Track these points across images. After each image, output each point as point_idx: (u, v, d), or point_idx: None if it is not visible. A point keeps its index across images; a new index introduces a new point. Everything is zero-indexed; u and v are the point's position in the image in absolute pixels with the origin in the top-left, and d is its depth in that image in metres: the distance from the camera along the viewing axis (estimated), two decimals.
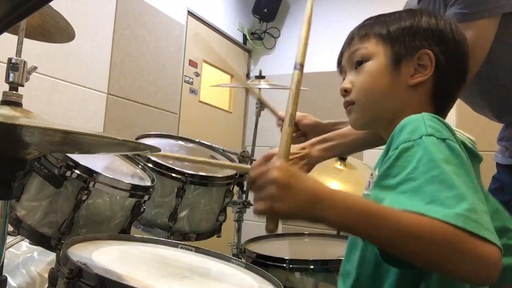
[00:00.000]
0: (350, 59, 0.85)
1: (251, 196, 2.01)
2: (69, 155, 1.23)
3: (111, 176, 1.28)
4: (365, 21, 0.86)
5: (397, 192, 0.62)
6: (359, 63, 0.83)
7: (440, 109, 0.81)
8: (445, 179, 0.60)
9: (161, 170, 1.60)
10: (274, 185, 0.60)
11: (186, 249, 1.22)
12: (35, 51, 2.07)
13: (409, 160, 0.63)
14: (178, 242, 1.26)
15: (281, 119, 1.34)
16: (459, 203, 0.57)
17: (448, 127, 0.69)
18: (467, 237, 0.56)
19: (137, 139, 1.80)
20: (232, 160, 1.96)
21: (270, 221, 0.63)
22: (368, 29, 0.83)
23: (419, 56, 0.79)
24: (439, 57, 0.78)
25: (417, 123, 0.68)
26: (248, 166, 1.27)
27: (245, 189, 1.98)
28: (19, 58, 0.99)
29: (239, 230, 1.96)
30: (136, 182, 1.40)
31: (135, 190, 1.34)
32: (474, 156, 0.75)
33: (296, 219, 0.62)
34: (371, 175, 0.76)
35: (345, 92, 0.85)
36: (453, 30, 0.81)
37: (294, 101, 0.73)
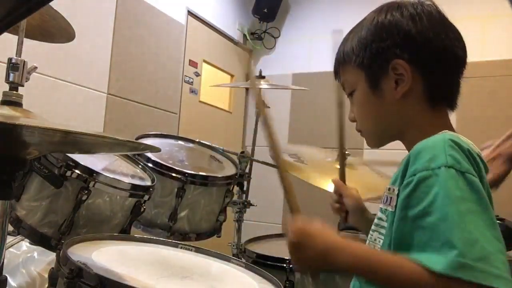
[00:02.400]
0: (344, 90, 0.88)
1: (251, 196, 2.02)
2: (69, 155, 1.23)
3: (111, 176, 1.28)
4: (341, 44, 0.86)
5: (414, 227, 0.65)
6: (350, 94, 0.86)
7: (444, 102, 0.79)
8: (458, 221, 0.61)
9: (161, 170, 1.60)
10: (291, 247, 0.73)
11: (186, 249, 1.22)
12: (35, 51, 2.07)
13: (427, 192, 0.64)
14: (178, 242, 1.26)
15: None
16: (468, 249, 0.59)
17: (468, 154, 0.67)
18: (451, 284, 0.59)
19: (137, 139, 1.80)
20: (232, 160, 1.96)
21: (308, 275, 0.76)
22: (343, 56, 0.84)
23: (392, 68, 0.77)
24: (413, 58, 0.76)
25: (437, 151, 0.66)
26: None
27: (245, 189, 1.98)
28: (19, 58, 0.99)
29: (239, 230, 1.96)
30: (136, 182, 1.40)
31: (135, 190, 1.34)
32: (486, 169, 0.72)
33: (317, 269, 0.76)
34: (388, 190, 0.75)
35: (353, 121, 0.89)
36: (413, 19, 0.76)
37: (276, 157, 0.84)
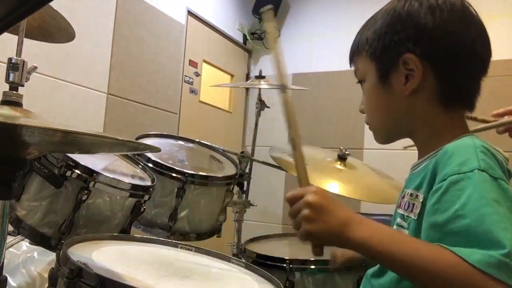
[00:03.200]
0: (356, 77, 0.85)
1: (251, 196, 2.02)
2: (69, 155, 1.23)
3: (111, 176, 1.28)
4: (358, 32, 0.82)
5: (445, 233, 0.59)
6: (361, 83, 0.83)
7: (459, 103, 0.74)
8: (499, 220, 0.56)
9: (161, 170, 1.60)
10: (308, 208, 0.64)
11: (186, 249, 1.22)
12: (35, 51, 2.07)
13: (458, 194, 0.59)
14: (178, 242, 1.26)
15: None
16: (503, 246, 0.54)
17: (499, 162, 0.64)
18: (485, 280, 0.54)
19: (137, 139, 1.80)
20: (232, 160, 1.96)
21: (313, 245, 0.66)
22: (358, 45, 0.81)
23: (403, 62, 0.73)
24: (426, 54, 0.72)
25: (468, 155, 0.62)
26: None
27: (245, 189, 1.98)
28: (19, 58, 0.99)
29: (239, 230, 1.96)
30: (136, 182, 1.40)
31: (135, 190, 1.34)
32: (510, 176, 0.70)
33: (328, 241, 0.64)
34: (410, 195, 0.72)
35: (363, 113, 0.85)
36: (433, 11, 0.71)
37: (290, 123, 0.74)
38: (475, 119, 0.95)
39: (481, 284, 0.54)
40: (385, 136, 0.82)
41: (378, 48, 0.76)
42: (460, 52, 0.72)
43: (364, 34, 0.80)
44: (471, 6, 0.74)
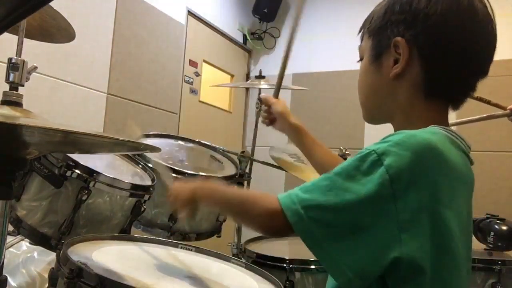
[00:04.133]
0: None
1: None
2: (69, 155, 1.23)
3: (111, 176, 1.28)
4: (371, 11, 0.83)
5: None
6: (359, 61, 0.83)
7: (442, 96, 0.73)
8: (325, 185, 0.64)
9: None
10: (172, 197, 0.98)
11: (186, 249, 1.22)
12: (35, 51, 2.07)
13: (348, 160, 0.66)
14: (178, 242, 1.26)
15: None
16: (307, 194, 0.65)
17: (425, 153, 0.62)
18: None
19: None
20: (232, 160, 1.96)
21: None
22: (365, 22, 0.81)
23: (394, 45, 0.72)
24: (417, 41, 0.71)
25: (393, 137, 0.64)
26: None
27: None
28: (19, 58, 0.99)
29: (239, 230, 1.96)
30: (137, 181, 1.40)
31: (135, 190, 1.34)
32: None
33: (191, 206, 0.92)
34: None
35: None
36: (431, 1, 0.70)
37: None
38: (480, 99, 0.97)
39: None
40: (369, 115, 0.82)
41: (376, 27, 0.76)
42: (449, 46, 0.70)
43: (371, 13, 0.80)
44: (483, 3, 0.73)
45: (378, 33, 0.76)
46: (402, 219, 0.60)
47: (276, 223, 0.67)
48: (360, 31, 0.83)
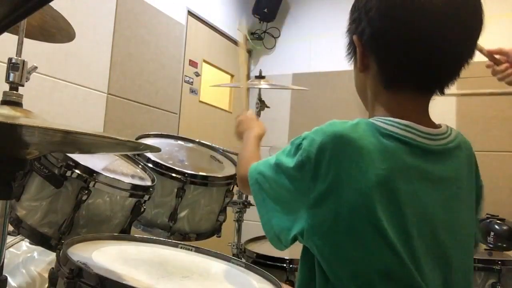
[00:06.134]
0: None
1: (251, 197, 2.02)
2: (69, 155, 1.23)
3: (111, 176, 1.28)
4: None
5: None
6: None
7: (403, 84, 0.74)
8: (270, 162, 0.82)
9: (161, 170, 1.60)
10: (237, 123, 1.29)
11: (186, 249, 1.22)
12: (35, 51, 2.07)
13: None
14: (178, 242, 1.26)
15: None
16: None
17: (333, 141, 0.69)
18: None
19: (137, 139, 1.80)
20: (232, 160, 1.96)
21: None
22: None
23: (354, 43, 0.78)
24: (364, 36, 0.75)
25: (316, 130, 0.73)
26: None
27: None
28: (19, 58, 0.99)
29: (239, 230, 1.96)
30: (136, 182, 1.40)
31: (135, 190, 1.34)
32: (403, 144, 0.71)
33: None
34: None
35: None
36: None
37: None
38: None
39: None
40: (365, 106, 0.86)
41: (347, 28, 0.82)
42: (389, 36, 0.72)
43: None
44: None
45: (347, 34, 0.82)
46: (313, 197, 0.69)
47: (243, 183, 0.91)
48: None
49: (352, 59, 0.83)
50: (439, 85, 0.76)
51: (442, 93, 0.77)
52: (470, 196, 0.79)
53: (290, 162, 0.74)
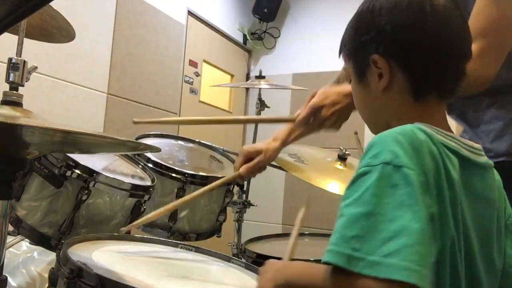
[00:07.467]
0: None
1: (251, 196, 2.02)
2: (69, 155, 1.23)
3: (111, 176, 1.28)
4: (344, 31, 0.84)
5: (339, 217, 0.62)
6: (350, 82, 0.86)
7: (431, 93, 0.75)
8: (377, 220, 0.58)
9: (161, 170, 1.60)
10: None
11: (186, 249, 1.22)
12: (35, 51, 2.07)
13: (361, 185, 0.61)
14: (178, 242, 1.26)
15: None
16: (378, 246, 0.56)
17: (416, 147, 0.63)
18: (339, 274, 0.56)
19: (137, 139, 1.80)
20: (232, 160, 1.96)
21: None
22: (341, 45, 0.83)
23: (373, 62, 0.75)
24: (391, 53, 0.74)
25: (382, 146, 0.64)
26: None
27: (245, 189, 1.97)
28: (19, 58, 0.99)
29: (239, 230, 1.96)
30: (137, 182, 1.40)
31: (135, 190, 1.34)
32: (467, 163, 0.70)
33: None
34: None
35: None
36: (389, 9, 0.73)
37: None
38: None
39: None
40: (373, 129, 0.84)
41: (352, 49, 0.80)
42: (418, 44, 0.73)
43: (344, 34, 0.83)
44: None
45: (355, 55, 0.79)
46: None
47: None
48: (340, 53, 0.85)
49: (361, 81, 0.79)
50: (457, 83, 0.77)
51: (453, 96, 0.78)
52: (500, 222, 0.76)
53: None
